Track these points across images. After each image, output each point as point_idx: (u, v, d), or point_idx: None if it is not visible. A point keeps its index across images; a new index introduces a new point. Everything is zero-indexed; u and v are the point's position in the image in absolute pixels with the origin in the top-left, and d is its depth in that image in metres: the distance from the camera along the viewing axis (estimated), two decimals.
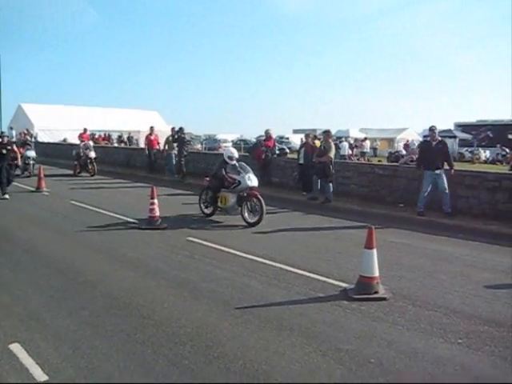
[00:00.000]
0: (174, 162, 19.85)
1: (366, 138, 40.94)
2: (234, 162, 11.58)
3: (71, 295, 6.35)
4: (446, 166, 11.66)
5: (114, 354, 4.71)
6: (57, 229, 10.58)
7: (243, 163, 11.79)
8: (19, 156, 16.12)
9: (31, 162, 21.52)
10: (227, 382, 4.25)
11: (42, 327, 5.35)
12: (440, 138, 12.09)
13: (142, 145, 38.36)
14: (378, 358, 4.60)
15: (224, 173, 11.31)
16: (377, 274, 6.26)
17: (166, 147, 20.36)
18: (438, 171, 11.54)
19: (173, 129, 20.30)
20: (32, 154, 21.73)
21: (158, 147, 22.47)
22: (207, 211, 11.86)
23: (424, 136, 47.86)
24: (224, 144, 45.06)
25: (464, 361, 4.58)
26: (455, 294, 6.41)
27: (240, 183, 11.10)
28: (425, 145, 12.55)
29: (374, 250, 6.25)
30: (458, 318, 5.57)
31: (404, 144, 38.82)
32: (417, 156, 13.37)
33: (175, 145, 19.70)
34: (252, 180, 11.18)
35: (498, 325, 5.40)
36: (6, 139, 15.15)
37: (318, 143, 15.36)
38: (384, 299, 6.14)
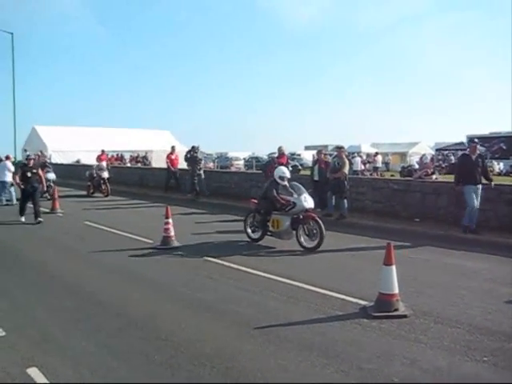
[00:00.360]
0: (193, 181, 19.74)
1: (377, 153, 40.84)
2: (286, 183, 10.80)
3: (86, 317, 6.30)
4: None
5: (133, 377, 4.65)
6: (71, 250, 10.58)
7: (296, 183, 10.98)
8: (44, 180, 15.77)
9: (51, 184, 21.18)
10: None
11: (59, 350, 5.30)
12: (479, 152, 11.76)
13: (154, 164, 38.72)
14: (401, 377, 4.50)
15: (275, 194, 10.52)
16: (396, 290, 6.16)
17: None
18: (479, 186, 11.17)
19: (192, 148, 20.32)
20: (52, 176, 21.50)
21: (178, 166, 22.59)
22: (255, 236, 11.01)
23: (436, 149, 47.79)
24: (236, 162, 45.19)
25: (491, 379, 4.46)
26: (477, 309, 6.29)
27: (295, 205, 10.27)
28: (464, 159, 11.76)
29: (393, 267, 6.16)
30: (482, 335, 5.46)
31: (420, 158, 38.71)
32: (453, 171, 13.01)
33: (186, 164, 19.85)
34: (308, 201, 10.37)
35: None
36: (31, 162, 14.89)
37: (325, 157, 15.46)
38: (405, 316, 6.04)
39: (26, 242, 11.56)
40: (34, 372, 4.79)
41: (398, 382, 4.41)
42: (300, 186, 10.82)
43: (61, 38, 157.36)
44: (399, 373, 4.58)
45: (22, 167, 14.81)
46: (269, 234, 10.75)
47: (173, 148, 22.78)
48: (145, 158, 41.78)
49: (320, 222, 9.94)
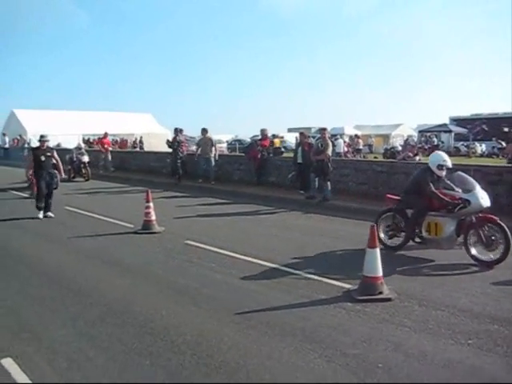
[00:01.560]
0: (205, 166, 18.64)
1: (357, 136, 40.79)
2: (444, 173, 8.20)
3: (65, 305, 6.13)
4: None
5: (111, 366, 4.51)
6: (50, 236, 10.34)
7: (461, 173, 8.26)
8: (61, 165, 13.03)
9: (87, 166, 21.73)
10: (228, 383, 4.13)
11: (35, 340, 5.14)
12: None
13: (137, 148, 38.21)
14: (386, 362, 4.42)
15: (434, 189, 7.95)
16: (381, 273, 6.07)
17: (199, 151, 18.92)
18: None
19: (175, 130, 19.75)
20: (86, 158, 21.72)
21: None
22: (392, 243, 8.48)
23: (419, 131, 47.87)
24: (219, 145, 44.71)
25: (476, 363, 4.40)
26: (462, 292, 6.22)
27: (469, 203, 7.59)
28: None
29: (377, 249, 6.07)
30: (467, 318, 5.40)
31: (404, 141, 38.84)
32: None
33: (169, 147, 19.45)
34: (484, 198, 7.70)
35: (509, 323, 5.22)
36: (45, 144, 12.60)
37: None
38: (389, 300, 5.96)
39: (6, 231, 11.28)
40: (7, 362, 4.64)
41: (384, 368, 4.32)
42: (467, 176, 8.17)
43: (39, 18, 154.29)
44: (384, 357, 4.50)
45: (33, 150, 12.89)
46: (417, 241, 8.30)
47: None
48: (140, 142, 40.83)
49: (503, 225, 7.35)
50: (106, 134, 25.87)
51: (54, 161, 12.67)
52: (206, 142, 18.42)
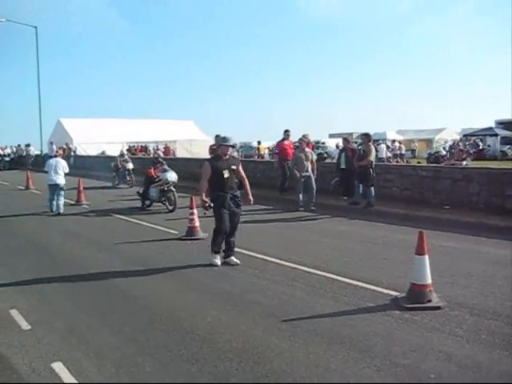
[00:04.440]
0: None
1: (397, 141, 40.30)
2: None
3: (112, 310, 6.21)
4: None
5: (158, 372, 4.53)
6: (96, 242, 10.51)
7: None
8: (248, 184, 8.57)
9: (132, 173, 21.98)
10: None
11: (84, 345, 5.21)
12: None
13: (178, 154, 38.65)
14: (439, 372, 4.28)
15: None
16: (429, 281, 5.91)
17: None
18: None
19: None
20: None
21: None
22: None
23: (464, 135, 46.89)
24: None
25: None
26: None
27: None
28: None
29: (426, 256, 5.91)
30: None
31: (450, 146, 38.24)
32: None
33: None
34: None
35: None
36: (229, 152, 8.20)
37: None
38: (438, 308, 5.79)
39: (50, 235, 11.55)
40: (58, 367, 4.71)
41: (434, 378, 4.19)
42: None
43: (83, 30, 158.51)
44: (435, 368, 4.36)
45: (212, 161, 8.20)
46: None
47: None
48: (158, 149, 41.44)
49: None
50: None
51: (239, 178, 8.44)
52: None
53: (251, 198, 8.43)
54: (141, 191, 15.17)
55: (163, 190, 14.34)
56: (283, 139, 16.28)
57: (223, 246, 8.26)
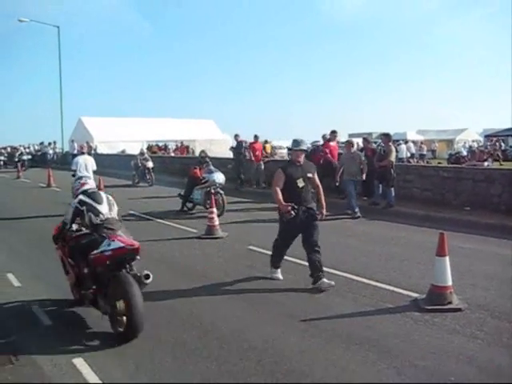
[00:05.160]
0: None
1: (421, 142, 40.03)
2: None
3: None
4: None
5: (177, 370, 4.57)
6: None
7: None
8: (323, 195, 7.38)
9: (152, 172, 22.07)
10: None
11: (105, 341, 5.27)
12: None
13: (197, 153, 38.87)
14: (459, 376, 4.26)
15: None
16: (450, 282, 5.88)
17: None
18: None
19: (236, 136, 20.24)
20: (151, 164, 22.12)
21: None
22: None
23: (485, 136, 46.32)
24: (279, 150, 44.78)
25: None
26: None
27: None
28: None
29: (447, 258, 5.88)
30: None
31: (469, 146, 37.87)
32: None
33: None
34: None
35: None
36: (300, 157, 7.06)
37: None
38: (459, 310, 5.75)
39: None
40: (79, 362, 4.79)
41: (455, 381, 4.17)
42: None
43: (104, 30, 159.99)
44: (456, 371, 4.34)
45: (285, 169, 6.97)
46: None
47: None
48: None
49: None
50: (256, 138, 19.86)
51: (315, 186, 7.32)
52: None
53: (324, 212, 7.21)
54: (182, 193, 14.08)
55: (209, 193, 12.91)
56: (329, 140, 15.89)
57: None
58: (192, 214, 13.77)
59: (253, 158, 18.88)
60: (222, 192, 13.05)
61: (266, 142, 33.14)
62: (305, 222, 6.82)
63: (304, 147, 7.20)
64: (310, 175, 7.01)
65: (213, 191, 12.78)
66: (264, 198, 15.98)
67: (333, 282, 6.70)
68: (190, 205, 13.97)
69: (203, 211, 12.97)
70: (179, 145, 42.48)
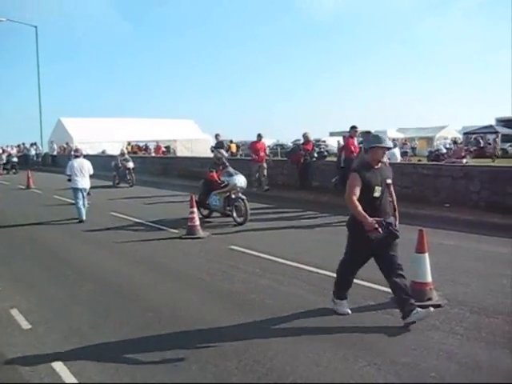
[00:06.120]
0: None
1: (405, 140, 40.27)
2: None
3: (113, 310, 6.21)
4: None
5: (159, 372, 4.53)
6: (96, 240, 10.53)
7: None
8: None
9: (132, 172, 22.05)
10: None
11: (85, 344, 5.21)
12: None
13: (178, 154, 38.68)
14: (439, 371, 4.27)
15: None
16: (430, 279, 5.92)
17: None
18: None
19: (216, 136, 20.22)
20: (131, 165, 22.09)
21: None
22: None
23: (464, 133, 46.81)
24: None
25: None
26: None
27: None
28: None
29: (426, 254, 5.91)
30: None
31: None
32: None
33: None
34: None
35: None
36: (383, 158, 5.75)
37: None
38: (439, 306, 5.78)
39: (51, 234, 11.54)
40: (59, 366, 4.72)
41: (437, 377, 4.19)
42: None
43: (82, 31, 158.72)
44: (436, 367, 4.36)
45: (360, 172, 5.42)
46: None
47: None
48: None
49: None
50: (260, 137, 18.31)
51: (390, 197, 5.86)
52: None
53: (397, 223, 5.78)
54: (197, 198, 11.86)
55: (229, 198, 11.89)
56: (350, 136, 15.59)
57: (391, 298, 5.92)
58: (210, 222, 12.34)
59: (255, 158, 17.90)
60: (243, 197, 11.62)
61: (231, 141, 32.70)
62: (383, 241, 5.46)
63: (388, 144, 5.66)
64: (389, 181, 5.57)
65: (233, 196, 11.72)
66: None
67: (432, 309, 5.34)
68: (205, 212, 12.65)
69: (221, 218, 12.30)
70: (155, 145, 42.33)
